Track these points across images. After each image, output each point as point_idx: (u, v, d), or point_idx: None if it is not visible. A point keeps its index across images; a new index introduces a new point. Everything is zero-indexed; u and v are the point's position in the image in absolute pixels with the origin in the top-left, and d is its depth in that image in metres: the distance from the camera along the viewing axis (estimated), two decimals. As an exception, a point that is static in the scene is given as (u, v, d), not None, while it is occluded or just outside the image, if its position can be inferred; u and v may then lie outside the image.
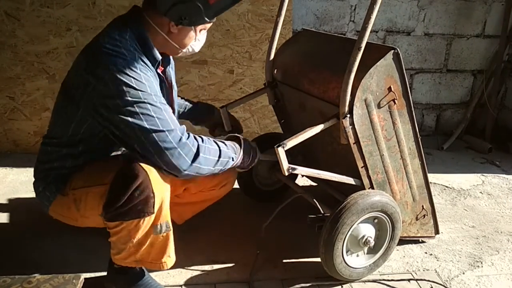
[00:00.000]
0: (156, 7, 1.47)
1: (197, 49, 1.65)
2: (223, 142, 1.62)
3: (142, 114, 1.41)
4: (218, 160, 1.56)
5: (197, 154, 1.49)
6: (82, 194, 1.54)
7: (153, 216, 1.47)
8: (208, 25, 1.59)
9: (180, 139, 1.45)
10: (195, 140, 1.50)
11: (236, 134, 1.76)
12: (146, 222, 1.47)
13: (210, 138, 1.59)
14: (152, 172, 1.44)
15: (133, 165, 1.42)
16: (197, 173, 1.52)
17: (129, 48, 1.46)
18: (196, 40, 1.60)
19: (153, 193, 1.43)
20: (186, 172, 1.48)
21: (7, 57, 2.72)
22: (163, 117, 1.43)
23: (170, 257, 1.59)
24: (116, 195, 1.42)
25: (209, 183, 1.91)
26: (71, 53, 2.76)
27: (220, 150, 1.57)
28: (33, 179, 1.66)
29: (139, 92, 1.41)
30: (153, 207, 1.45)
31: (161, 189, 1.47)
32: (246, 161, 1.71)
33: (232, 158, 1.62)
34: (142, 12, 1.54)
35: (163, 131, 1.42)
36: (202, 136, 1.56)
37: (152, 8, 1.50)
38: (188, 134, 1.50)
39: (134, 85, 1.40)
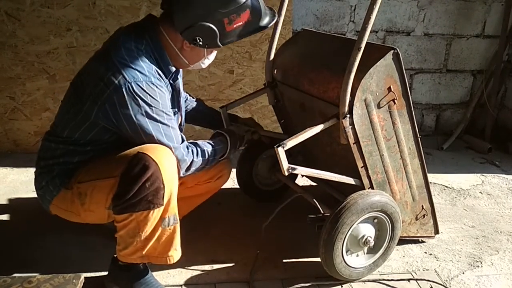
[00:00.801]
0: (173, 24, 1.51)
1: (205, 66, 1.71)
2: (214, 148, 1.73)
3: (153, 128, 1.51)
4: (205, 166, 1.72)
5: (189, 167, 1.64)
6: (88, 188, 1.55)
7: (162, 208, 1.49)
8: (220, 47, 1.62)
9: (182, 155, 1.59)
10: (191, 155, 1.64)
11: (222, 132, 1.85)
12: (155, 214, 1.48)
13: (203, 145, 1.71)
14: (162, 164, 1.46)
15: (143, 156, 1.45)
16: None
17: (145, 60, 1.51)
18: (206, 58, 1.66)
19: (163, 184, 1.46)
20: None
21: (8, 57, 2.72)
22: (170, 134, 1.55)
23: (176, 250, 1.60)
24: (126, 187, 1.44)
25: (204, 175, 1.95)
26: (72, 53, 2.76)
27: (208, 160, 1.70)
28: (34, 175, 1.66)
29: (153, 108, 1.49)
30: (163, 198, 1.47)
31: (170, 181, 1.49)
32: (232, 152, 1.86)
33: (218, 158, 1.78)
34: (158, 23, 1.57)
35: (169, 146, 1.54)
36: (197, 146, 1.68)
37: (169, 23, 1.54)
38: (187, 148, 1.63)
39: (149, 102, 1.48)
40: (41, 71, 2.78)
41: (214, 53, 1.69)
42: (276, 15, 1.64)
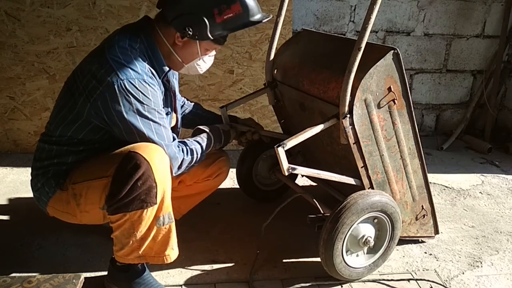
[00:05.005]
0: (165, 15, 1.53)
1: (201, 71, 1.72)
2: (201, 146, 1.74)
3: (144, 126, 1.51)
4: (194, 165, 1.73)
5: (180, 166, 1.65)
6: (82, 189, 1.55)
7: (155, 207, 1.48)
8: (215, 47, 1.63)
9: (174, 154, 1.60)
10: (182, 153, 1.65)
11: (203, 128, 1.84)
12: (149, 213, 1.48)
13: (191, 143, 1.72)
14: (154, 163, 1.45)
15: (135, 155, 1.44)
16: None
17: (138, 59, 1.52)
18: (201, 60, 1.66)
19: (155, 183, 1.45)
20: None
21: (8, 57, 2.72)
22: (161, 132, 1.55)
23: (173, 249, 1.59)
24: (118, 186, 1.44)
25: (203, 174, 1.96)
26: (72, 53, 2.76)
27: (196, 158, 1.71)
28: (30, 177, 1.66)
29: (144, 106, 1.49)
30: (156, 197, 1.47)
31: (163, 180, 1.48)
32: (218, 146, 1.87)
33: (205, 153, 1.78)
34: (153, 23, 1.59)
35: (160, 145, 1.54)
36: (186, 145, 1.69)
37: (162, 19, 1.56)
38: (178, 147, 1.65)
39: (141, 99, 1.48)
40: (41, 71, 2.78)
41: (211, 58, 1.69)
42: (269, 16, 1.64)
